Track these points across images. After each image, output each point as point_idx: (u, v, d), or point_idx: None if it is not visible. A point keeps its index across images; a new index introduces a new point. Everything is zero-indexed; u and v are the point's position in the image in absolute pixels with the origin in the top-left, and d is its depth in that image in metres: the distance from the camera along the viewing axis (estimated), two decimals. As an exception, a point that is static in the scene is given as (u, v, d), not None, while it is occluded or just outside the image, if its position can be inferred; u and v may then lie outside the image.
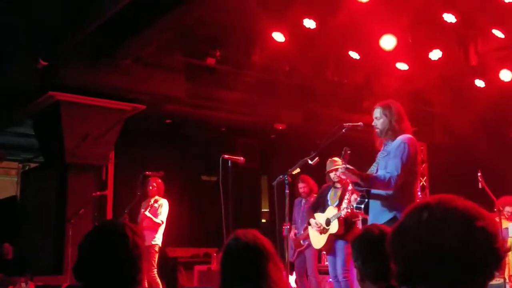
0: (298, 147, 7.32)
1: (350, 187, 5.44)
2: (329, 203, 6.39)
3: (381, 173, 4.21)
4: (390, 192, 4.18)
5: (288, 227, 5.61)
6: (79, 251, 1.99)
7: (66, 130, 8.49)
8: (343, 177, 4.44)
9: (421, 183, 12.20)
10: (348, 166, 4.25)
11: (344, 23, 7.45)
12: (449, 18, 7.61)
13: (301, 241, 7.16)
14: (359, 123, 4.51)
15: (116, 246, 1.93)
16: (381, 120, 4.37)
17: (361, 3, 7.03)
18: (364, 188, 4.32)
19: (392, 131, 4.34)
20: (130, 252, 1.93)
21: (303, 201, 7.40)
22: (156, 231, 7.54)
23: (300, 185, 7.38)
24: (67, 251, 7.83)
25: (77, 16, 7.37)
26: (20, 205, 10.87)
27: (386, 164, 4.23)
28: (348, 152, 4.30)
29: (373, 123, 4.43)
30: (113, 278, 1.91)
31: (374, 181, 4.20)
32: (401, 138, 4.29)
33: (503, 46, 8.73)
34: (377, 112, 4.41)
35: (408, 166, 4.18)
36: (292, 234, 7.26)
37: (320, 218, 6.39)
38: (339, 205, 6.18)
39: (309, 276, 7.15)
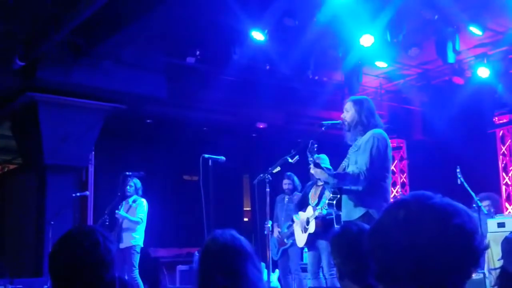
0: (280, 146, 7.33)
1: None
2: (309, 201, 6.42)
3: (351, 168, 4.24)
4: (361, 187, 4.20)
5: (269, 225, 5.61)
6: (50, 259, 1.96)
7: (45, 131, 8.39)
8: (312, 173, 4.46)
9: (401, 180, 12.31)
10: (316, 161, 4.27)
11: (324, 21, 7.48)
12: (427, 15, 7.69)
13: (285, 239, 7.17)
14: (338, 121, 4.53)
15: (87, 252, 1.91)
16: (350, 113, 4.39)
17: (341, 1, 7.06)
18: (333, 184, 4.34)
19: (361, 126, 4.35)
20: (102, 258, 1.91)
21: (286, 198, 7.41)
22: (134, 231, 7.48)
23: (285, 181, 7.38)
24: (47, 253, 7.75)
25: (55, 15, 7.28)
26: (0, 206, 10.72)
27: (356, 159, 4.26)
28: (315, 145, 4.31)
29: (341, 115, 4.46)
30: (87, 285, 1.89)
31: (343, 177, 4.23)
32: (371, 133, 4.30)
33: (481, 43, 8.85)
34: (348, 105, 4.44)
35: (378, 161, 4.20)
36: (275, 232, 7.27)
37: (303, 216, 6.43)
38: (318, 204, 6.22)
39: (293, 274, 7.17)
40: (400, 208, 1.32)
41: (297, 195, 7.32)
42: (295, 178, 7.40)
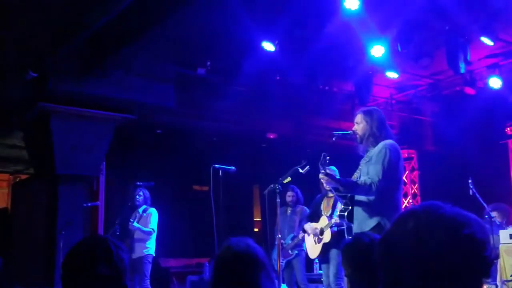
0: (290, 156, 7.34)
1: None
2: (322, 213, 6.41)
3: (362, 179, 4.22)
4: (372, 198, 4.18)
5: (280, 236, 5.60)
6: (62, 268, 1.96)
7: (56, 141, 8.43)
8: (323, 182, 4.44)
9: (413, 191, 12.24)
10: (327, 172, 4.27)
11: (334, 32, 7.49)
12: (438, 26, 7.68)
13: (290, 251, 7.15)
14: (349, 132, 4.52)
15: (100, 262, 1.90)
16: (361, 125, 4.39)
17: (351, 11, 7.07)
18: (344, 194, 4.33)
19: (373, 137, 4.34)
20: (115, 267, 1.91)
21: (289, 210, 7.41)
22: (147, 241, 7.52)
23: (289, 193, 7.40)
24: (58, 263, 7.76)
25: (67, 26, 7.36)
26: (11, 216, 10.78)
27: (368, 170, 4.24)
28: (327, 158, 4.30)
29: (353, 128, 4.45)
30: None
31: (354, 187, 4.21)
32: (383, 143, 4.29)
33: (492, 53, 8.81)
34: (358, 117, 4.44)
35: (390, 171, 4.18)
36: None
37: (315, 227, 6.41)
38: (331, 215, 6.20)
39: (300, 285, 7.14)
40: (409, 218, 1.31)
41: (300, 208, 7.33)
42: (299, 191, 7.43)
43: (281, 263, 7.21)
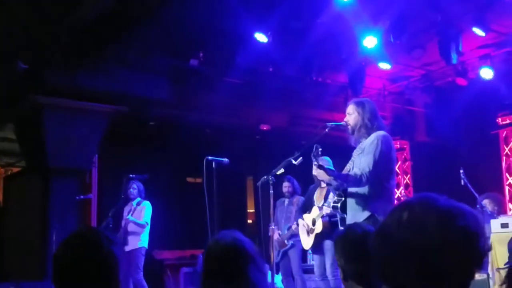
0: (283, 147, 7.35)
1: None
2: (315, 203, 6.43)
3: (354, 171, 4.24)
4: (365, 190, 4.20)
5: (273, 227, 5.62)
6: (54, 261, 1.94)
7: (48, 134, 8.39)
8: (315, 174, 4.45)
9: (405, 181, 12.29)
10: (320, 164, 4.27)
11: (327, 23, 7.49)
12: (431, 16, 7.69)
13: (285, 241, 7.18)
14: (342, 123, 4.52)
15: (91, 256, 1.89)
16: (353, 116, 4.39)
17: (344, 2, 7.07)
18: (336, 185, 4.35)
19: (365, 128, 4.35)
20: (104, 261, 1.90)
21: (286, 201, 7.43)
22: (140, 234, 7.53)
23: (285, 184, 7.42)
24: (50, 256, 7.74)
25: (59, 18, 7.30)
26: (4, 210, 10.74)
27: (360, 161, 4.26)
28: (320, 149, 4.31)
29: (345, 119, 4.45)
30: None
31: (346, 178, 4.22)
32: (375, 135, 4.30)
33: (484, 44, 8.84)
34: (350, 108, 4.44)
35: (382, 163, 4.19)
36: (275, 235, 7.27)
37: (307, 219, 6.42)
38: (323, 205, 6.22)
39: (295, 275, 7.18)
40: (404, 209, 1.32)
41: (297, 198, 7.35)
42: (295, 181, 7.44)
43: (277, 254, 7.26)
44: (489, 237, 6.13)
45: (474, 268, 1.29)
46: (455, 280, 1.27)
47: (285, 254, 7.24)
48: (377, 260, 1.32)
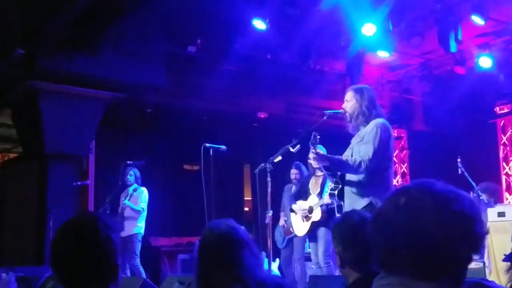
0: (281, 135, 7.33)
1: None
2: (310, 191, 6.41)
3: (353, 157, 4.21)
4: (363, 177, 4.18)
5: (270, 214, 5.61)
6: (51, 247, 1.94)
7: (45, 119, 8.37)
8: (312, 162, 4.42)
9: (402, 170, 12.31)
10: (318, 151, 4.26)
11: (325, 10, 7.45)
12: (430, 4, 7.66)
13: (291, 229, 7.15)
14: (340, 110, 4.50)
15: (88, 242, 1.88)
16: (351, 103, 4.35)
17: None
18: (334, 173, 4.33)
19: (363, 116, 4.31)
20: (102, 246, 1.89)
21: (293, 187, 7.38)
22: (136, 220, 7.54)
23: (293, 171, 7.36)
24: (48, 241, 7.76)
25: (56, 3, 7.25)
26: (0, 195, 10.73)
27: (359, 149, 4.24)
28: (318, 137, 4.28)
29: (343, 106, 4.42)
30: (88, 274, 1.87)
31: (344, 164, 4.20)
32: (374, 122, 4.27)
33: (483, 32, 8.81)
34: (349, 95, 4.40)
35: (381, 151, 4.17)
36: (281, 221, 7.25)
37: (302, 205, 6.41)
38: (320, 193, 6.20)
39: (296, 262, 7.17)
40: (401, 194, 1.32)
41: None
42: (303, 168, 7.33)
43: (282, 241, 7.24)
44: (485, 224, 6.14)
45: (471, 252, 1.28)
46: (453, 263, 1.26)
47: (290, 241, 7.21)
48: (374, 245, 1.32)
